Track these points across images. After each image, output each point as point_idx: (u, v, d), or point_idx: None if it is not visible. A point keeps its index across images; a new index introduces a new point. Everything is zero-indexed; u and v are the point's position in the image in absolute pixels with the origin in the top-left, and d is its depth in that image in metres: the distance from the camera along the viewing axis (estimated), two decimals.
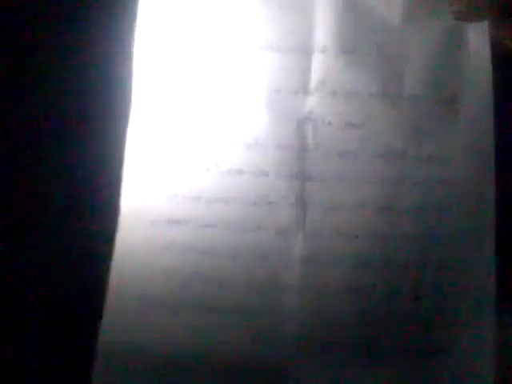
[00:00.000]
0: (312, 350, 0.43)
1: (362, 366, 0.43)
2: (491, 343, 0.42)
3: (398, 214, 0.45)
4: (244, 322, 0.44)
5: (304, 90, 0.47)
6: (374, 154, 0.46)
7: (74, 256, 0.47)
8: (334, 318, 0.44)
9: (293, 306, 0.44)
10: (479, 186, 0.44)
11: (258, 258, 0.45)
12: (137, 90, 0.47)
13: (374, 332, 0.43)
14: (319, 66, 0.47)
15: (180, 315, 0.44)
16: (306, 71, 0.47)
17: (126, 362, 0.43)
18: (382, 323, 0.43)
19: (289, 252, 0.45)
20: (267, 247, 0.45)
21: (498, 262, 0.43)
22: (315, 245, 0.45)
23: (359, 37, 0.47)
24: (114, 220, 0.46)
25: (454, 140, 0.45)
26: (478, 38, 0.46)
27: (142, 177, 0.46)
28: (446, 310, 0.43)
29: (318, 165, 0.46)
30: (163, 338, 0.44)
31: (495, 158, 0.44)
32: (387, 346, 0.43)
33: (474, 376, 0.43)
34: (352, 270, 0.44)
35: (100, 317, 0.44)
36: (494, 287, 0.43)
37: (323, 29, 0.47)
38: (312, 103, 0.46)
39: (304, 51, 0.47)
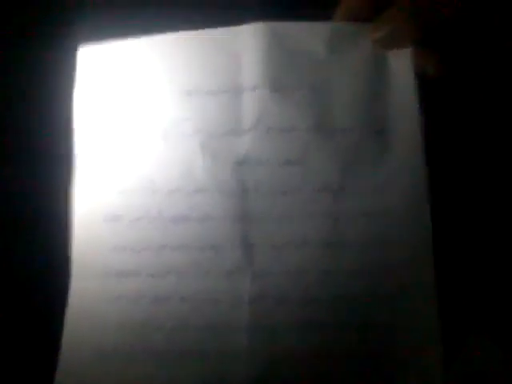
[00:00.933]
0: None
1: None
2: (439, 377, 0.42)
3: (342, 249, 0.45)
4: (197, 365, 0.45)
5: (237, 131, 0.47)
6: (314, 189, 0.46)
7: (26, 308, 0.49)
8: (285, 355, 0.44)
9: (243, 346, 0.45)
10: (416, 216, 0.44)
11: (208, 302, 0.46)
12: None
13: (325, 367, 0.44)
14: (250, 106, 0.47)
15: (133, 364, 0.45)
16: (237, 112, 0.47)
17: None
18: (333, 358, 0.44)
19: (238, 293, 0.45)
20: (216, 291, 0.46)
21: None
22: (263, 284, 0.45)
23: (288, 73, 0.47)
24: (65, 273, 0.47)
25: (388, 172, 0.45)
26: (401, 67, 0.45)
27: (90, 232, 0.48)
28: (394, 343, 0.43)
29: (260, 205, 0.46)
30: None
31: (429, 185, 0.44)
32: (338, 381, 0.43)
33: None
34: (300, 306, 0.45)
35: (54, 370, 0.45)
36: (437, 318, 0.43)
37: (251, 67, 0.47)
38: (247, 143, 0.47)
39: (233, 92, 0.47)
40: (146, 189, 0.47)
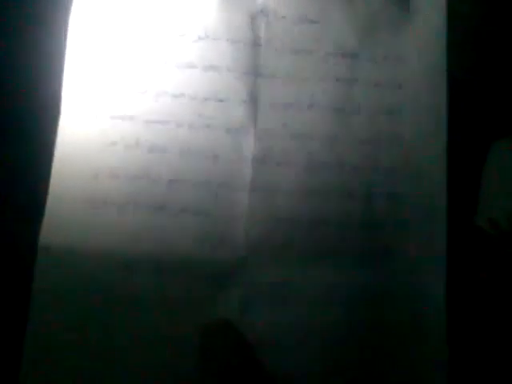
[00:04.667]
0: (263, 248, 0.42)
1: (312, 265, 0.43)
2: (442, 251, 0.43)
3: (350, 115, 0.44)
4: (194, 220, 0.42)
5: None
6: (328, 51, 0.44)
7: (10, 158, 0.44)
8: (285, 218, 0.43)
9: (244, 205, 0.43)
10: (431, 89, 0.44)
11: (208, 156, 0.43)
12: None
13: (325, 231, 0.43)
14: None
15: (127, 214, 0.42)
16: None
17: (71, 264, 0.41)
18: (334, 223, 0.43)
19: (239, 151, 0.43)
20: (217, 145, 0.43)
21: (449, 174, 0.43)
22: (266, 144, 0.43)
23: None
24: (53, 117, 0.42)
25: (407, 41, 0.45)
26: None
27: (86, 67, 0.43)
28: (397, 213, 0.43)
29: (271, 61, 0.44)
30: (110, 237, 0.42)
31: (447, 60, 0.44)
32: (338, 246, 0.43)
33: (423, 283, 0.43)
34: (304, 170, 0.43)
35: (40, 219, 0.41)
36: (444, 194, 0.43)
37: None
38: None
39: None
40: (150, 33, 0.43)
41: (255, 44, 0.44)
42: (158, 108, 0.43)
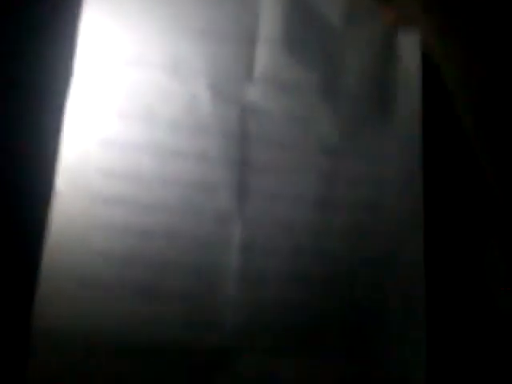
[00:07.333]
0: (249, 335, 0.43)
1: (297, 354, 0.44)
2: (423, 339, 0.44)
3: (332, 208, 0.46)
4: (181, 306, 0.43)
5: (248, 78, 0.47)
6: (312, 148, 0.47)
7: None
8: (272, 305, 0.44)
9: (230, 292, 0.44)
10: (408, 185, 0.47)
11: (196, 242, 0.44)
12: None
13: (310, 319, 0.44)
14: (263, 57, 0.48)
15: (116, 297, 0.42)
16: (249, 61, 0.48)
17: (61, 346, 0.41)
18: (319, 311, 0.44)
19: (227, 239, 0.45)
20: (206, 233, 0.44)
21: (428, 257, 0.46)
22: (254, 233, 0.45)
23: (302, 33, 0.49)
24: (47, 197, 0.43)
25: (386, 141, 0.48)
26: (409, 43, 0.49)
27: (79, 153, 0.44)
28: (379, 302, 0.45)
29: (259, 154, 0.47)
30: (98, 320, 0.42)
31: (423, 157, 0.48)
32: (323, 335, 0.44)
33: (403, 373, 0.44)
34: (289, 258, 0.45)
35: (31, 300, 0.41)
36: (423, 282, 0.45)
37: (268, 21, 0.48)
38: (255, 93, 0.47)
39: (248, 41, 0.48)
40: (146, 117, 0.46)
41: (244, 137, 0.47)
42: (148, 194, 0.44)
